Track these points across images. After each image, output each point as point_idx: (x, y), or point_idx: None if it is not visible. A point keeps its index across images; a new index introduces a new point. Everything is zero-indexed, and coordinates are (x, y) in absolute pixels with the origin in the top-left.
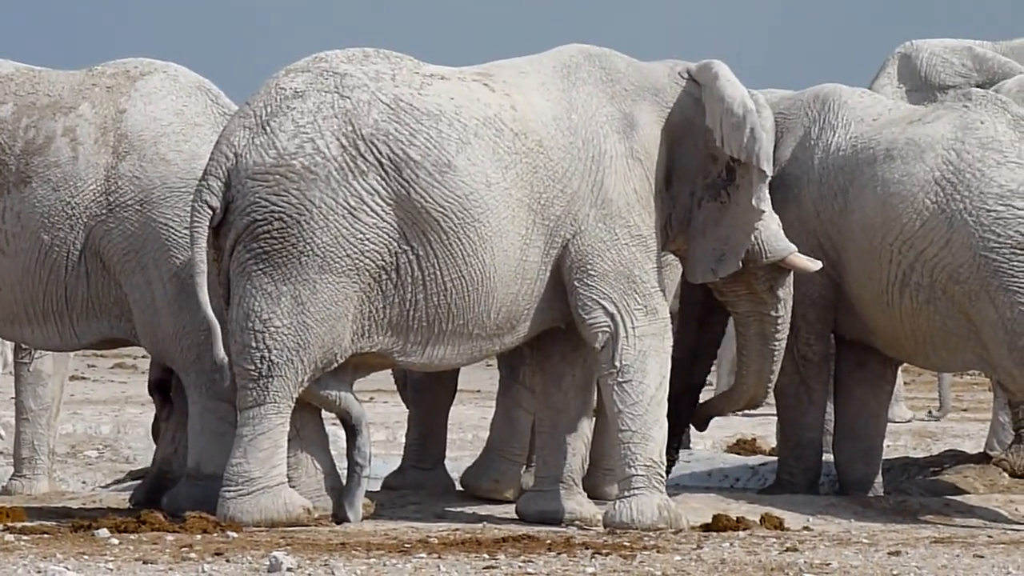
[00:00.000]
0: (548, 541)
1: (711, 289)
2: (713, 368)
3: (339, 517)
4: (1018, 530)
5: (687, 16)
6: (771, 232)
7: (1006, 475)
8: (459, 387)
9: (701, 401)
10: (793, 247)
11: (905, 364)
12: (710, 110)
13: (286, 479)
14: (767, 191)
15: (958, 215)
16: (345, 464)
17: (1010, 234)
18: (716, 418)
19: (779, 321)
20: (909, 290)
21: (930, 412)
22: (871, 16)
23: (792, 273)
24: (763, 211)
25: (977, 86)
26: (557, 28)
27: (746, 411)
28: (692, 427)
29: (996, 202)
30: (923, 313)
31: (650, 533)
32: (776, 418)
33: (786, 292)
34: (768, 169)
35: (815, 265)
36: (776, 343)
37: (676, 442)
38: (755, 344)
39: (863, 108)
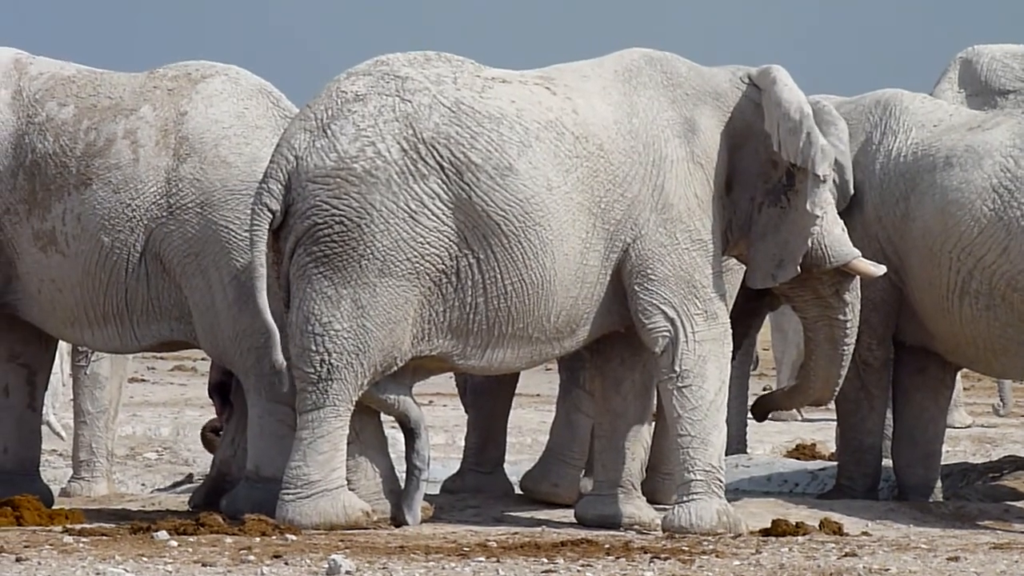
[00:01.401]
0: (607, 545)
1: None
2: (772, 371)
3: (398, 520)
4: None
5: (743, 19)
6: (835, 237)
7: None
8: (519, 391)
9: (763, 393)
10: (857, 252)
11: (965, 369)
12: (768, 115)
13: (345, 482)
14: (824, 196)
15: (1016, 222)
16: (404, 467)
17: None
18: (776, 423)
19: (848, 325)
20: (969, 297)
21: (994, 409)
22: (929, 23)
23: (858, 278)
24: (818, 216)
25: None
26: (616, 32)
27: (805, 417)
28: (751, 419)
29: None
30: (983, 320)
31: (709, 538)
32: (836, 423)
33: (853, 296)
34: (825, 175)
35: (879, 270)
36: (845, 347)
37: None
38: (824, 348)
39: (924, 113)
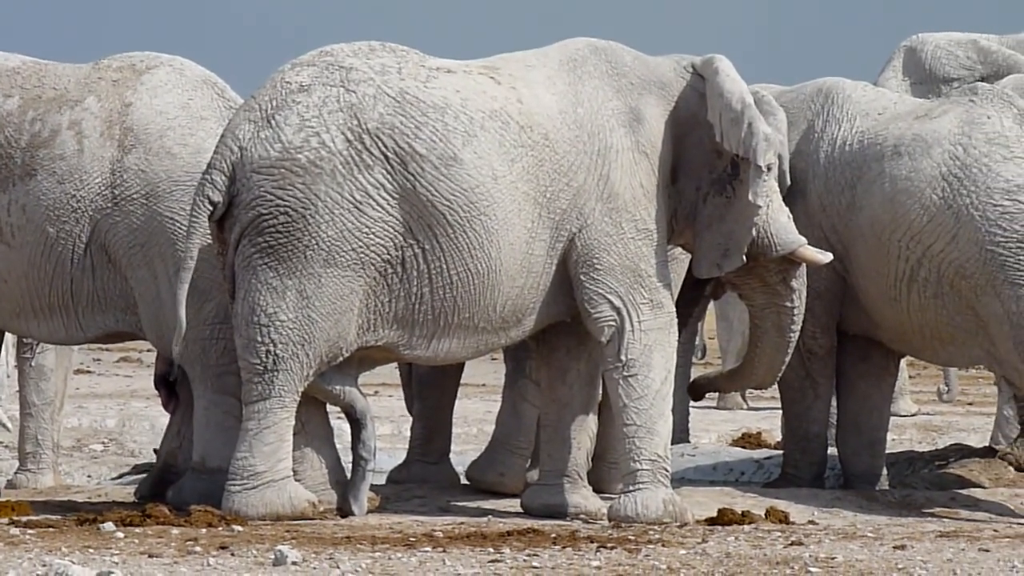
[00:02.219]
0: (553, 535)
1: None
2: (718, 360)
3: (344, 511)
4: (1023, 524)
5: (689, 10)
6: (780, 225)
7: (1011, 469)
8: (465, 381)
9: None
10: (803, 240)
11: (910, 357)
12: (711, 105)
13: (291, 473)
14: (767, 186)
15: (965, 210)
16: (350, 458)
17: (1016, 228)
18: (721, 412)
19: (795, 312)
20: (917, 285)
21: (938, 393)
22: (873, 14)
23: (804, 265)
24: (760, 206)
25: (981, 79)
26: (562, 22)
27: (751, 406)
28: (689, 397)
29: (1002, 197)
30: (930, 308)
31: (655, 527)
32: (781, 412)
33: (800, 283)
34: (765, 165)
35: (826, 257)
36: (791, 334)
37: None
38: (771, 336)
39: (867, 102)
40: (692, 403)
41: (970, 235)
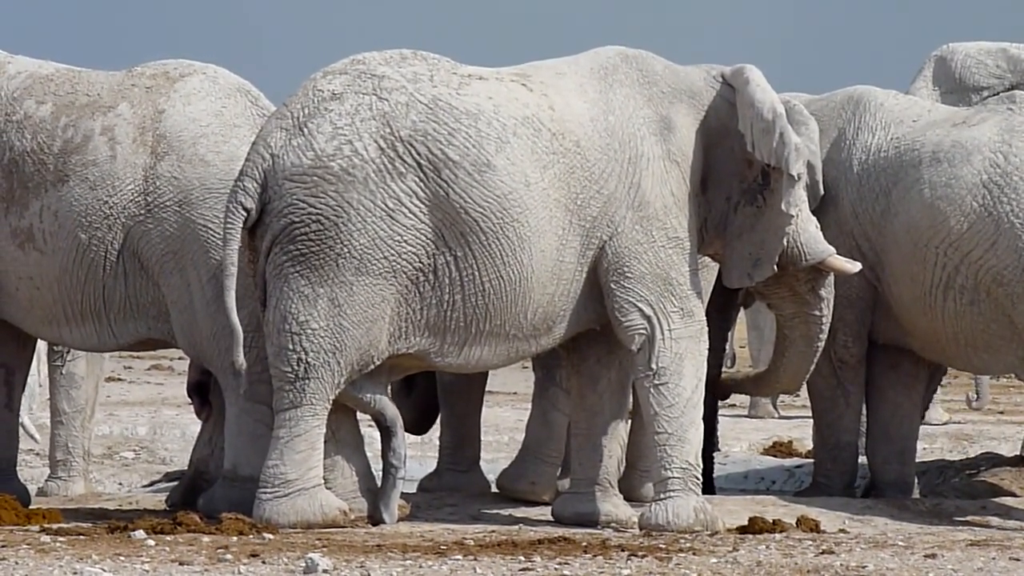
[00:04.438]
0: (584, 543)
1: (715, 289)
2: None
3: (375, 519)
4: None
5: (715, 19)
6: (810, 235)
7: None
8: (496, 389)
9: (726, 375)
10: (832, 249)
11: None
12: (742, 115)
13: (322, 481)
14: (798, 195)
15: (1005, 218)
16: (380, 466)
17: None
18: (752, 420)
19: (823, 321)
20: (953, 292)
21: (968, 400)
22: (901, 25)
23: (832, 275)
24: (792, 215)
25: (1011, 87)
26: (591, 30)
27: (782, 415)
28: (713, 396)
29: None
30: (966, 315)
31: (686, 535)
32: (812, 420)
33: (828, 292)
34: (798, 174)
35: (855, 267)
36: (818, 343)
37: (708, 443)
38: (799, 345)
39: (901, 110)
40: (719, 404)
41: (1009, 243)
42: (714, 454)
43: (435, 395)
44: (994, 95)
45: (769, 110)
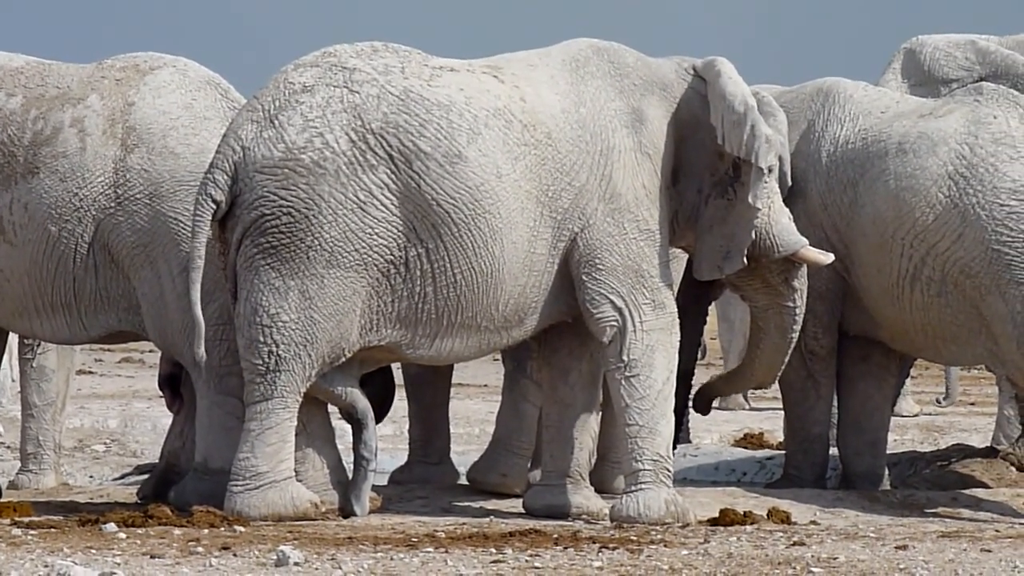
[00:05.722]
0: (555, 535)
1: (691, 281)
2: (719, 360)
3: (346, 511)
4: None
5: (687, 11)
6: (782, 226)
7: (1013, 469)
8: (466, 381)
9: (703, 384)
10: (805, 240)
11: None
12: (713, 107)
13: (293, 474)
14: (769, 188)
15: (971, 210)
16: (352, 459)
17: (1022, 228)
18: (723, 412)
19: (796, 312)
20: (920, 284)
21: (937, 401)
22: (871, 16)
23: (805, 266)
24: (760, 208)
25: (980, 79)
26: (562, 23)
27: (753, 406)
28: (695, 412)
29: (1009, 197)
30: (934, 307)
31: (657, 527)
32: (783, 412)
33: (801, 284)
34: (767, 167)
35: (827, 258)
36: (792, 334)
37: (676, 435)
38: (773, 336)
39: (869, 101)
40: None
41: (976, 234)
42: (684, 446)
43: (390, 387)
44: (963, 87)
45: (741, 103)
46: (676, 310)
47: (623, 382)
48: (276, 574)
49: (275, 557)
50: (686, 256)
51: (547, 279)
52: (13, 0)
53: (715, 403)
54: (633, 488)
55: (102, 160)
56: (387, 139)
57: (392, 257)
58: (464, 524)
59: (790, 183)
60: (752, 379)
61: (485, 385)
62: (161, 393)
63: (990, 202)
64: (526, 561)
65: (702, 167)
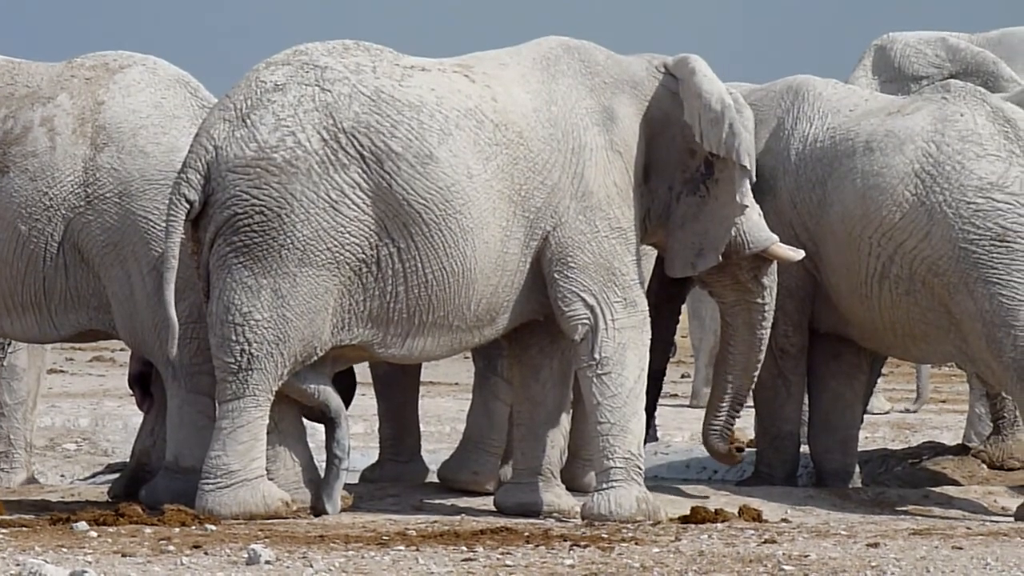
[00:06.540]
0: (526, 533)
1: (664, 279)
2: (690, 359)
3: (317, 510)
4: (996, 522)
5: (658, 9)
6: (753, 223)
7: (984, 467)
8: (437, 380)
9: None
10: (775, 237)
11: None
12: (688, 106)
13: (265, 472)
14: (749, 186)
15: (938, 207)
16: (324, 457)
17: (989, 226)
18: (694, 410)
19: (765, 308)
20: (888, 282)
21: (907, 409)
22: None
23: (775, 263)
24: (746, 206)
25: (950, 76)
26: (535, 20)
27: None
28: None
29: (975, 194)
30: (902, 305)
31: (628, 525)
32: (754, 410)
33: (771, 281)
34: (749, 164)
35: (798, 255)
36: (763, 331)
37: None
38: (743, 333)
39: (838, 99)
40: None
41: (943, 232)
42: (655, 443)
43: (351, 384)
44: (932, 85)
45: (718, 100)
46: (647, 308)
47: (594, 380)
48: (247, 572)
49: (246, 555)
50: (656, 254)
51: (519, 278)
52: None
53: (687, 401)
54: (604, 486)
55: (72, 159)
56: (359, 139)
57: (364, 256)
58: (435, 522)
59: (754, 179)
60: (731, 383)
61: (456, 383)
62: (131, 392)
63: (957, 200)
64: (497, 559)
65: (673, 165)
